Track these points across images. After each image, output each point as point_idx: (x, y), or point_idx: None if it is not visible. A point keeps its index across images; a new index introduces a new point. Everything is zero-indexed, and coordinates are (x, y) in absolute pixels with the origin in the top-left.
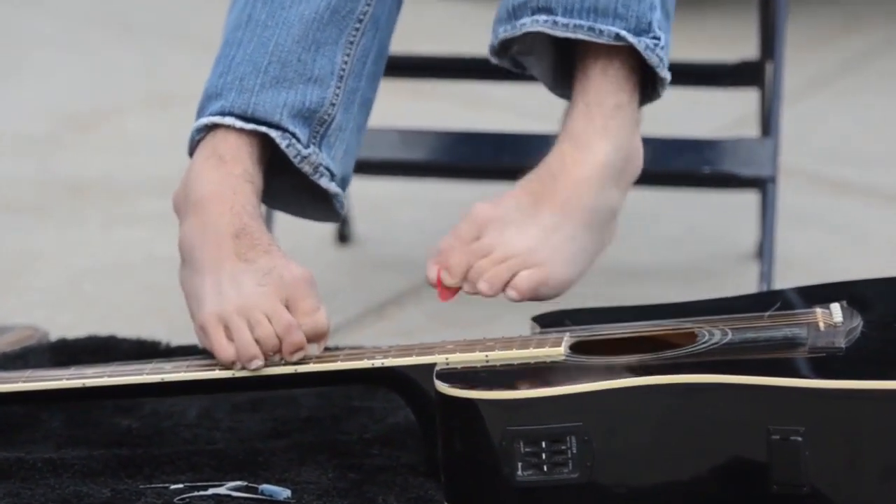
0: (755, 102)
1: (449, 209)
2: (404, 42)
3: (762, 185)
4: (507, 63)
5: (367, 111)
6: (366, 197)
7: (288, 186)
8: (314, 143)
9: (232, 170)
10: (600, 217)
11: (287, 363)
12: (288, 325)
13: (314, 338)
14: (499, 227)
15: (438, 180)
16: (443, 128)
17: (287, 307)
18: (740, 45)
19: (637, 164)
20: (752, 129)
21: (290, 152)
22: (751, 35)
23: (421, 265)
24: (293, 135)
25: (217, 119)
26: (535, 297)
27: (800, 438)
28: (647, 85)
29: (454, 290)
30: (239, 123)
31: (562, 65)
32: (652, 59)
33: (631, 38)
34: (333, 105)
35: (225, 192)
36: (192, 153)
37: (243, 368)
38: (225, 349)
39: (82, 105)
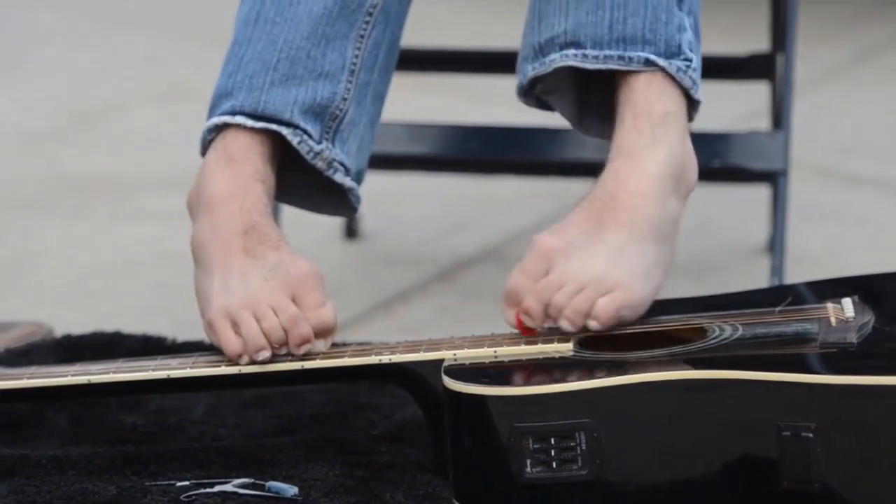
0: (767, 95)
1: (457, 203)
2: (410, 35)
3: (773, 178)
4: (533, 103)
5: (381, 104)
6: (373, 192)
7: (302, 182)
8: (327, 139)
9: (242, 169)
10: (664, 229)
11: (294, 357)
12: (293, 317)
13: (320, 332)
14: (566, 257)
15: (446, 174)
16: (450, 121)
17: (294, 302)
18: (751, 38)
19: (692, 172)
20: (763, 123)
21: (303, 149)
22: (762, 27)
23: (428, 260)
24: (305, 131)
25: (227, 118)
26: (618, 323)
27: (811, 435)
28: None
29: (536, 330)
30: (249, 122)
31: (584, 101)
32: (685, 81)
33: (661, 62)
34: (345, 100)
35: (235, 191)
36: (204, 153)
37: (252, 362)
38: (232, 342)
39: (88, 101)
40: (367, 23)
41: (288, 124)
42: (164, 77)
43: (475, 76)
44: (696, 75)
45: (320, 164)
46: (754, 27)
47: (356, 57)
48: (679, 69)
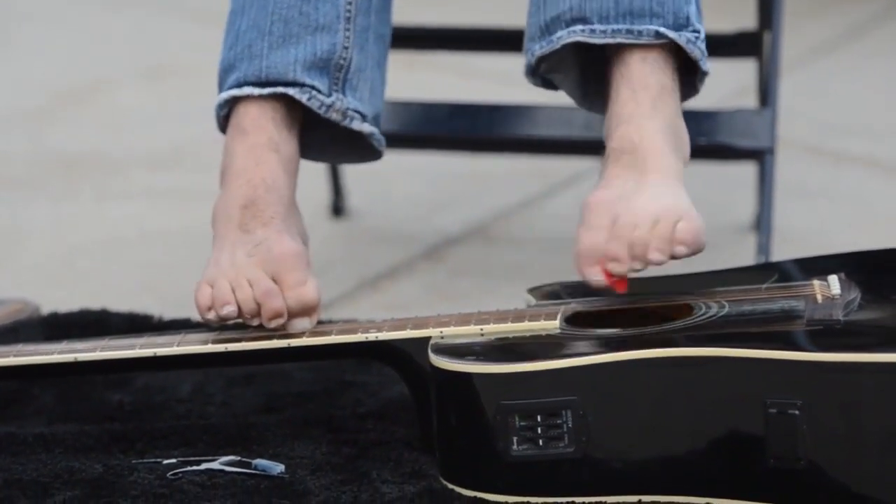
0: (754, 73)
1: (443, 181)
2: (397, 13)
3: (760, 156)
4: (538, 82)
5: (385, 45)
6: (360, 170)
7: (328, 137)
8: (336, 90)
9: (256, 140)
10: (681, 179)
11: (281, 335)
12: (266, 290)
13: (301, 311)
14: (626, 202)
15: (432, 152)
16: (437, 99)
17: (275, 279)
18: (739, 16)
19: (687, 144)
20: (750, 101)
21: (314, 105)
22: (749, 5)
23: (415, 238)
24: (312, 87)
25: (235, 91)
26: (698, 247)
27: (797, 412)
28: (684, 80)
29: (626, 277)
30: (256, 91)
31: (587, 78)
32: (694, 52)
33: (672, 34)
34: (346, 48)
35: (247, 164)
36: (221, 129)
37: (220, 320)
38: (203, 297)
39: (74, 79)
40: None
41: (293, 84)
42: (151, 55)
43: (463, 54)
44: (704, 46)
45: (335, 116)
46: (742, 5)
47: (349, 3)
48: (689, 41)
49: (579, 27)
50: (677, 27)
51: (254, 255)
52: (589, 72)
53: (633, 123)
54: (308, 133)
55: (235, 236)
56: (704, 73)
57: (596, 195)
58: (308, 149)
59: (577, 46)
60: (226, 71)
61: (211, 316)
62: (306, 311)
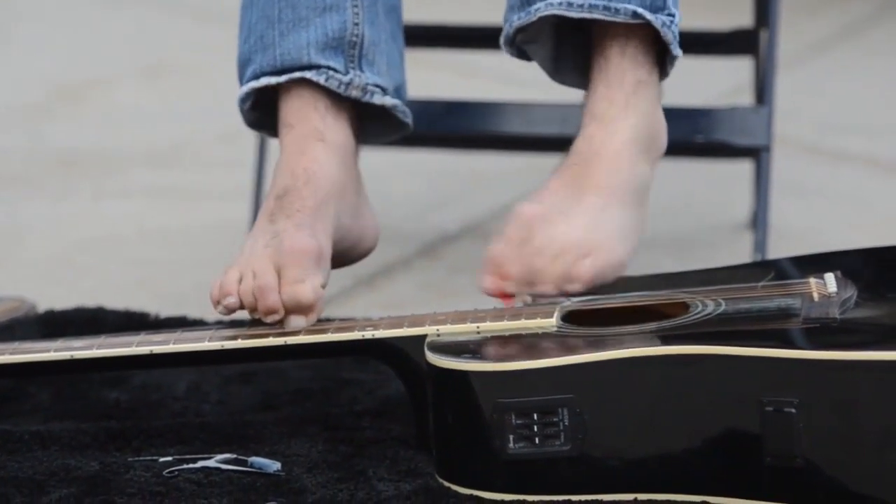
0: (751, 71)
1: (440, 179)
2: None
3: (756, 154)
4: (515, 52)
5: (397, 15)
6: None
7: (365, 118)
8: (353, 67)
9: (300, 131)
10: (637, 192)
11: (278, 333)
12: (263, 286)
13: (294, 308)
14: (546, 223)
15: (429, 150)
16: (433, 97)
17: (279, 273)
18: (735, 13)
19: (662, 138)
20: (747, 98)
21: (332, 85)
22: (745, 2)
23: (412, 236)
24: (329, 68)
25: (253, 84)
26: (601, 283)
27: (793, 410)
28: (658, 63)
29: (514, 294)
30: (274, 80)
31: (562, 51)
32: (667, 35)
33: (648, 16)
34: (357, 24)
35: (292, 155)
36: (247, 123)
37: (226, 311)
38: (215, 287)
39: (73, 76)
40: None
41: (309, 67)
42: (151, 53)
43: (461, 51)
44: (677, 30)
45: (356, 94)
46: (738, 2)
47: None
48: (664, 23)
49: (557, 0)
50: (654, 9)
51: (269, 247)
52: (563, 45)
53: (602, 123)
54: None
55: (263, 226)
56: (675, 57)
57: (524, 208)
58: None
59: (555, 19)
60: (243, 65)
61: (219, 310)
62: (301, 309)
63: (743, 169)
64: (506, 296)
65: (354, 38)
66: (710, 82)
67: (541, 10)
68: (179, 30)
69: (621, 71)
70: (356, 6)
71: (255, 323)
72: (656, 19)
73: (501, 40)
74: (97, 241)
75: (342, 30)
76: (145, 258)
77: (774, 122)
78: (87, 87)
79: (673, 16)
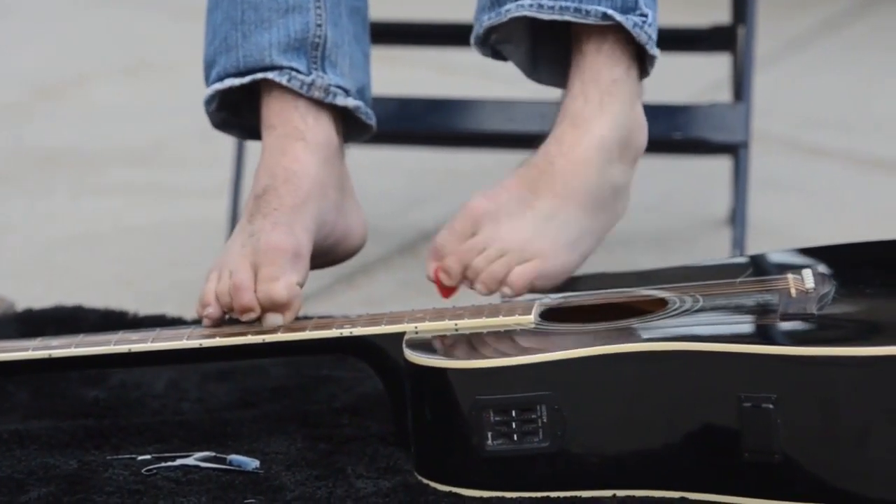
0: (729, 67)
1: (420, 177)
2: (375, 9)
3: (734, 150)
4: (488, 52)
5: (362, 17)
6: None
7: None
8: (315, 68)
9: (281, 132)
10: (603, 196)
11: (257, 331)
12: (238, 284)
13: (269, 306)
14: (494, 222)
15: (409, 148)
16: (413, 94)
17: (255, 271)
18: (713, 10)
19: (641, 136)
20: (726, 95)
21: (294, 85)
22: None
23: (391, 233)
24: (291, 69)
25: (217, 86)
26: (533, 291)
27: (771, 406)
28: (637, 61)
29: (454, 289)
30: (238, 81)
31: (538, 50)
32: (641, 36)
33: (619, 17)
34: (320, 25)
35: (273, 156)
36: (213, 124)
37: (211, 322)
38: (202, 292)
39: (53, 74)
40: None
41: (271, 68)
42: (130, 51)
43: (441, 49)
44: (652, 31)
45: (318, 94)
46: (716, 0)
47: None
48: (635, 24)
49: (528, 2)
50: (625, 10)
51: (246, 246)
52: (540, 45)
53: (575, 124)
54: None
55: (242, 226)
56: (653, 57)
57: (474, 202)
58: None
59: (529, 19)
60: (208, 66)
61: (204, 323)
62: (276, 307)
63: (721, 165)
64: (444, 287)
65: (317, 39)
66: (689, 79)
67: (511, 11)
68: (158, 28)
69: (597, 68)
70: (319, 7)
71: (234, 321)
72: (627, 20)
73: (472, 40)
74: (76, 239)
75: (305, 31)
76: (124, 256)
77: (752, 118)
78: (67, 84)
79: (646, 16)
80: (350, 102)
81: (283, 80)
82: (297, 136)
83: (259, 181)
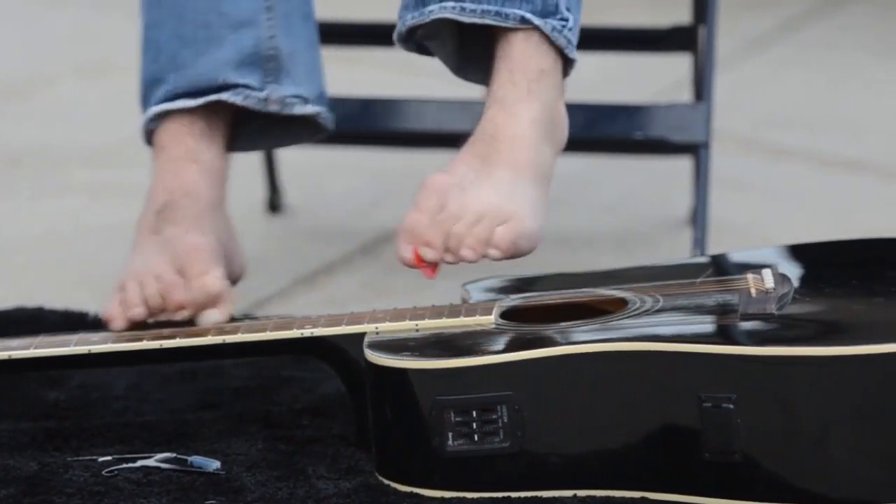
0: (690, 67)
1: (380, 177)
2: (338, 9)
3: (695, 150)
4: (412, 48)
5: (313, 23)
6: (297, 166)
7: (265, 125)
8: (270, 82)
9: (174, 154)
10: (542, 172)
11: (212, 331)
12: (169, 284)
13: (207, 301)
14: (459, 192)
15: (369, 148)
16: (374, 95)
17: (182, 274)
18: (674, 10)
19: (563, 129)
20: (686, 95)
21: (250, 103)
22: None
23: (352, 234)
24: (245, 86)
25: (167, 105)
26: (516, 252)
27: (731, 405)
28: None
29: (436, 264)
30: (191, 102)
31: (464, 48)
32: (559, 40)
33: (537, 21)
34: (272, 37)
35: (166, 177)
36: (147, 142)
37: (128, 324)
38: (107, 307)
39: (14, 74)
40: None
41: (225, 87)
42: (91, 50)
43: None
44: (572, 34)
45: (275, 108)
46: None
47: None
48: (554, 28)
49: (450, 4)
50: (545, 14)
51: (162, 254)
52: (466, 43)
53: (504, 107)
54: (243, 125)
55: (148, 239)
56: (572, 61)
57: (434, 178)
58: (246, 140)
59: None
60: (152, 84)
61: (117, 325)
62: (212, 300)
63: (682, 165)
64: (427, 266)
65: (271, 52)
66: (649, 79)
67: (434, 12)
68: (122, 28)
69: (525, 57)
70: (271, 19)
71: (162, 325)
72: (545, 24)
73: (395, 37)
74: (38, 239)
75: (256, 45)
76: (86, 257)
77: (713, 118)
78: (29, 84)
79: (566, 20)
80: (309, 110)
81: (238, 100)
82: (189, 157)
83: (156, 198)
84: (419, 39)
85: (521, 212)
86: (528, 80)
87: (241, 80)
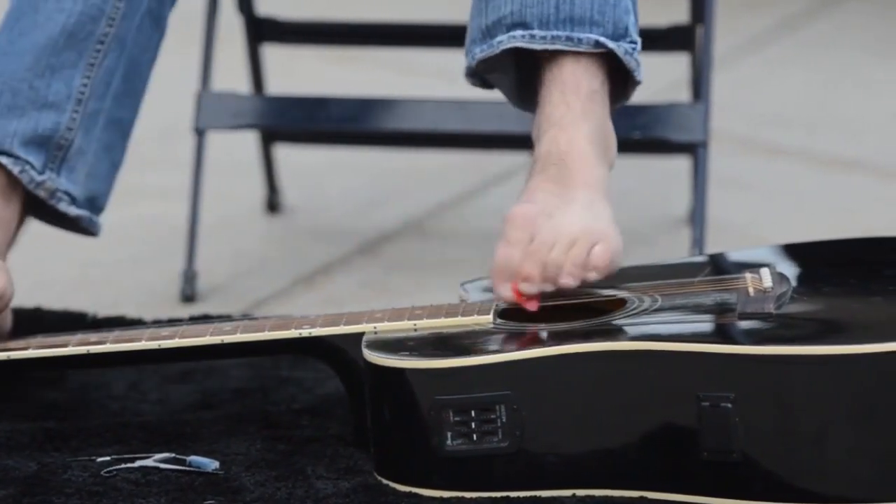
0: (688, 67)
1: (379, 177)
2: (339, 9)
3: (693, 149)
4: (478, 83)
5: (121, 130)
6: (295, 166)
7: (40, 203)
8: (51, 169)
9: None
10: (605, 189)
11: (211, 331)
12: None
13: None
14: (547, 219)
15: (368, 148)
16: (373, 95)
17: None
18: (672, 10)
19: (614, 148)
20: (684, 94)
21: (24, 178)
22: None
23: (351, 233)
24: (26, 162)
25: None
26: (612, 271)
27: (729, 405)
28: (616, 85)
29: (538, 296)
30: None
31: (525, 79)
32: (630, 63)
33: (611, 44)
34: (71, 129)
35: None
36: None
37: None
38: None
39: None
40: (99, 51)
41: (8, 154)
42: None
43: (400, 49)
44: (639, 57)
45: (42, 194)
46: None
47: (84, 86)
48: (626, 51)
49: (519, 32)
50: (616, 37)
51: None
52: (527, 74)
53: (562, 128)
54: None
55: None
56: (637, 83)
57: (519, 209)
58: (30, 207)
59: (517, 49)
60: None
61: None
62: None
63: (680, 165)
64: (528, 299)
65: (63, 142)
66: (647, 79)
67: (504, 42)
68: None
69: (576, 79)
70: (76, 111)
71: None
72: (619, 47)
73: (465, 72)
74: (35, 239)
75: (54, 130)
76: (83, 257)
77: (711, 117)
78: None
79: (635, 43)
80: (72, 211)
81: (16, 171)
82: None
83: None
84: (482, 73)
85: (609, 229)
86: (582, 101)
87: (24, 156)
